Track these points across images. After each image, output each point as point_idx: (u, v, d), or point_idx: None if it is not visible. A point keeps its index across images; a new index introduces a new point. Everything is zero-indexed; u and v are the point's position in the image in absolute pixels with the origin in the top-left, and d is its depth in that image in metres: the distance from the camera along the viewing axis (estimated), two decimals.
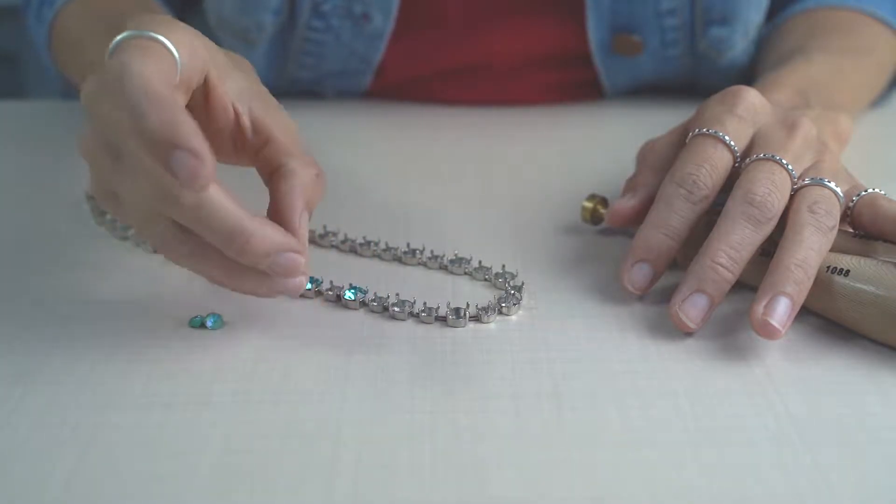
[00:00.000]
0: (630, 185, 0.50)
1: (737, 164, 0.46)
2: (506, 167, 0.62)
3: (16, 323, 0.44)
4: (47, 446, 0.36)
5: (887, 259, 0.42)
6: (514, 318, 0.44)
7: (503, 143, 0.66)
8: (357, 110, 0.73)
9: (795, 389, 0.39)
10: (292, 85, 0.73)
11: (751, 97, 0.47)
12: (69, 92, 0.74)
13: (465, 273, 0.48)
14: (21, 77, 1.53)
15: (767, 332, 0.40)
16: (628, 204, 0.49)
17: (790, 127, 0.46)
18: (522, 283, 0.46)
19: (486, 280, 0.48)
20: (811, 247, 0.41)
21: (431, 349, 0.42)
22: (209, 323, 0.43)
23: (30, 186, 0.59)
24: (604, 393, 0.39)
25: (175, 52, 0.38)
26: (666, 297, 0.46)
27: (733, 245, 0.42)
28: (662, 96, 0.73)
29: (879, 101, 0.70)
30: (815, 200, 0.43)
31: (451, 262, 0.48)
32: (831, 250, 0.43)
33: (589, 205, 0.52)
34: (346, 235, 0.51)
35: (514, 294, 0.45)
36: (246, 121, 0.42)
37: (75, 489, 0.34)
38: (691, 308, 0.42)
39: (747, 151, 0.46)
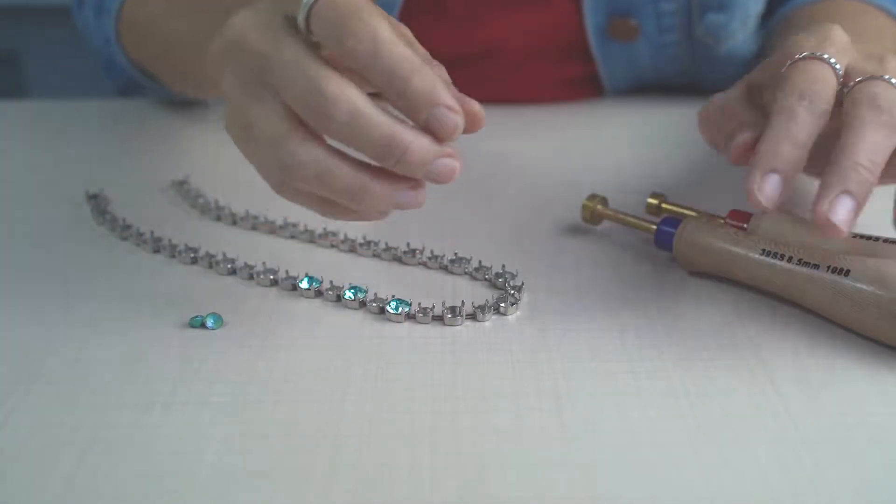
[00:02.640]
0: (731, 129, 0.49)
1: (840, 89, 0.45)
2: (506, 167, 0.62)
3: (16, 323, 0.44)
4: (47, 446, 0.36)
5: (888, 258, 0.42)
6: (514, 317, 0.44)
7: (504, 143, 0.66)
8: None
9: (795, 389, 0.39)
10: None
11: (840, 32, 0.47)
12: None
13: (465, 273, 0.48)
14: (21, 77, 1.53)
15: (831, 230, 0.40)
16: (746, 136, 0.47)
17: (878, 59, 0.46)
18: (522, 283, 0.46)
19: (486, 280, 0.48)
20: (877, 143, 0.41)
21: (431, 349, 0.42)
22: (209, 323, 0.43)
23: (30, 186, 0.59)
24: (604, 393, 0.39)
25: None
26: (664, 293, 0.46)
27: (871, 149, 0.41)
28: (663, 95, 0.73)
29: None
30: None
31: (451, 262, 0.48)
32: (830, 251, 0.43)
33: (589, 204, 0.52)
34: (345, 235, 0.51)
35: (513, 294, 0.45)
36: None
37: (75, 489, 0.34)
38: (841, 209, 0.40)
39: (845, 80, 0.45)
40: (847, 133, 0.42)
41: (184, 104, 0.71)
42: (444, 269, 0.49)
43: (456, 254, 0.49)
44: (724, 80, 0.68)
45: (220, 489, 0.34)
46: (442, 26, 0.70)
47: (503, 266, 0.47)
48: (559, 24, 0.70)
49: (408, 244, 0.50)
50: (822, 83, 0.43)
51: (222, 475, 0.34)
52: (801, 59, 0.45)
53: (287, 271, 0.47)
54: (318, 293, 0.46)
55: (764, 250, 0.44)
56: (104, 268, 0.49)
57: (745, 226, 0.47)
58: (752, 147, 0.46)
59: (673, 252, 0.47)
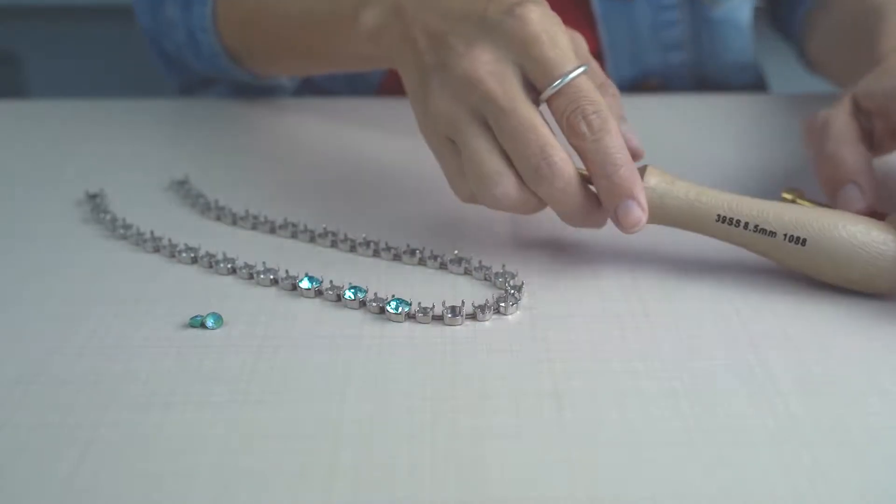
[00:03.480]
0: (838, 176, 0.49)
1: None
2: None
3: (16, 323, 0.44)
4: (47, 446, 0.36)
5: (845, 225, 0.43)
6: (514, 317, 0.44)
7: None
8: (358, 110, 0.72)
9: (795, 389, 0.39)
10: (304, 84, 0.73)
11: None
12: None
13: (465, 273, 0.48)
14: (21, 77, 1.53)
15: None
16: (856, 198, 0.48)
17: None
18: (522, 283, 0.46)
19: (486, 280, 0.48)
20: None
21: (431, 349, 0.42)
22: (209, 323, 0.43)
23: (30, 186, 0.59)
24: (604, 393, 0.39)
25: None
26: (665, 293, 0.46)
27: None
28: (667, 94, 0.73)
29: None
30: None
31: (451, 261, 0.48)
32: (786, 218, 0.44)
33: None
34: (346, 235, 0.51)
35: (513, 294, 0.45)
36: None
37: (75, 489, 0.34)
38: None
39: None
40: None
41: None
42: (444, 269, 0.49)
43: (456, 254, 0.49)
44: (731, 76, 0.69)
45: (220, 489, 0.34)
46: None
47: (503, 266, 0.47)
48: None
49: (408, 244, 0.50)
50: None
51: (222, 475, 0.34)
52: None
53: (287, 271, 0.47)
54: (318, 293, 0.46)
55: (719, 216, 0.44)
56: (104, 267, 0.49)
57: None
58: (860, 207, 0.48)
59: None
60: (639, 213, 0.43)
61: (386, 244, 0.50)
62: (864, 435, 0.36)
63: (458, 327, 0.43)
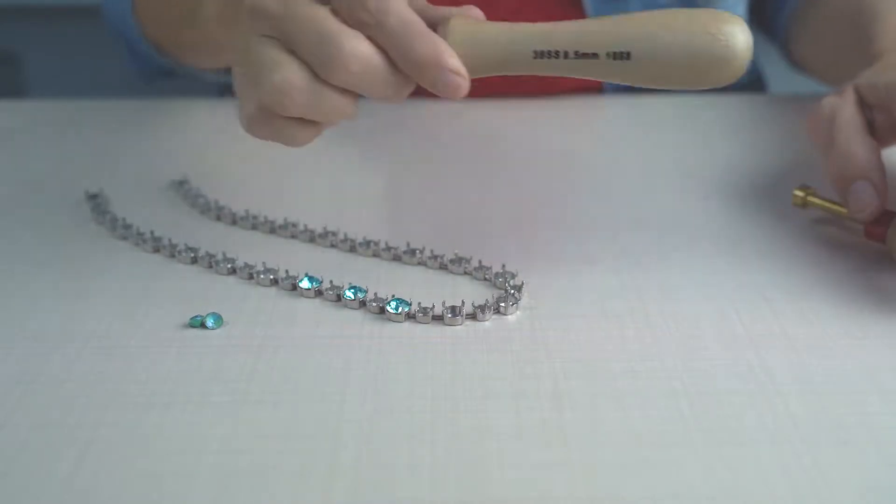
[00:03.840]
0: (849, 173, 0.48)
1: None
2: (506, 166, 0.62)
3: (16, 323, 0.44)
4: (47, 446, 0.36)
5: (665, 27, 0.41)
6: (514, 317, 0.44)
7: (504, 142, 0.66)
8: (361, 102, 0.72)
9: (795, 389, 0.39)
10: None
11: None
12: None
13: (465, 273, 0.48)
14: (21, 77, 1.53)
15: None
16: (874, 203, 0.47)
17: None
18: (522, 283, 0.46)
19: (486, 280, 0.48)
20: None
21: (431, 349, 0.42)
22: (209, 323, 0.43)
23: (30, 186, 0.59)
24: (604, 393, 0.39)
25: None
26: (664, 293, 0.46)
27: None
28: (664, 94, 0.73)
29: None
30: None
31: (451, 261, 0.48)
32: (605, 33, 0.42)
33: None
34: (346, 235, 0.51)
35: (513, 294, 0.45)
36: None
37: (75, 489, 0.34)
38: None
39: None
40: None
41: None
42: (444, 269, 0.49)
43: (456, 254, 0.49)
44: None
45: (220, 489, 0.34)
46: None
47: (503, 266, 0.47)
48: None
49: (408, 244, 0.50)
50: None
51: (222, 475, 0.34)
52: None
53: (287, 271, 0.47)
54: (318, 293, 0.46)
55: (536, 52, 0.42)
56: (104, 268, 0.49)
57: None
58: (873, 204, 0.47)
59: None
60: (455, 79, 0.41)
61: (386, 244, 0.50)
62: (864, 435, 0.36)
63: (458, 327, 0.43)
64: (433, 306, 0.44)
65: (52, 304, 0.45)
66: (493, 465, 0.35)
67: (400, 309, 0.44)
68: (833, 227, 0.52)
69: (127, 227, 0.52)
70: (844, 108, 0.50)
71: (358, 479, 0.34)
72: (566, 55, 0.42)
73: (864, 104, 0.51)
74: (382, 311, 0.44)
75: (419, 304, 0.44)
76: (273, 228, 0.53)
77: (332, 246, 0.51)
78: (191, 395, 0.39)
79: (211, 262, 0.49)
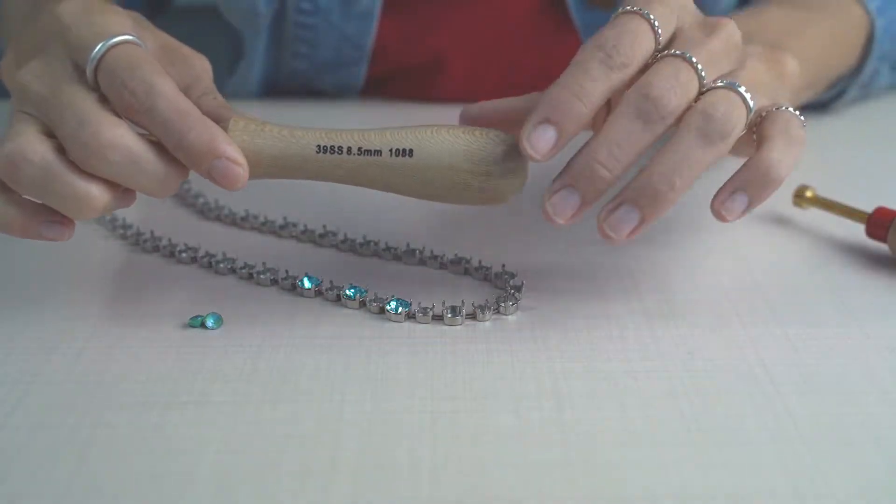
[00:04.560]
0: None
1: (657, 54, 0.42)
2: None
3: (16, 323, 0.44)
4: (47, 446, 0.36)
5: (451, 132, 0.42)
6: (513, 317, 0.44)
7: None
8: (356, 108, 0.73)
9: (795, 389, 0.39)
10: (291, 78, 0.74)
11: None
12: None
13: (465, 273, 0.48)
14: None
15: (606, 238, 0.40)
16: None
17: (711, 27, 0.43)
18: (522, 283, 0.46)
19: (486, 280, 0.48)
20: (686, 157, 0.39)
21: (431, 349, 0.42)
22: (209, 323, 0.43)
23: None
24: (604, 393, 0.39)
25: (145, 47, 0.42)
26: (664, 292, 0.46)
27: (617, 142, 0.39)
28: None
29: (844, 91, 0.68)
30: (714, 103, 0.39)
31: (451, 261, 0.48)
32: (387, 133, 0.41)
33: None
34: (346, 235, 0.51)
35: (513, 294, 0.45)
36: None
37: (75, 489, 0.34)
38: (560, 202, 0.40)
39: (667, 45, 0.42)
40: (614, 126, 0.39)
41: None
42: (444, 268, 0.49)
43: (456, 254, 0.49)
44: None
45: (220, 489, 0.34)
46: (430, 13, 0.71)
47: (503, 266, 0.47)
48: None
49: (408, 244, 0.50)
50: (630, 37, 0.40)
51: (222, 475, 0.34)
52: (624, 11, 0.41)
53: (287, 271, 0.47)
54: (318, 293, 0.46)
55: (320, 147, 0.42)
56: (104, 268, 0.49)
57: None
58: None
59: None
60: (233, 168, 0.39)
61: (386, 244, 0.50)
62: (864, 435, 0.36)
63: (458, 327, 0.43)
64: (433, 306, 0.44)
65: (52, 304, 0.45)
66: (493, 465, 0.35)
67: (400, 309, 0.44)
68: (833, 227, 0.52)
69: (127, 227, 0.52)
70: None
71: (358, 479, 0.34)
72: (349, 151, 0.41)
73: None
74: (382, 311, 0.44)
75: (419, 304, 0.44)
76: (273, 228, 0.53)
77: (332, 246, 0.51)
78: (191, 395, 0.39)
79: (211, 262, 0.49)
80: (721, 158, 0.40)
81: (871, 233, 0.49)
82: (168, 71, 0.44)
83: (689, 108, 0.40)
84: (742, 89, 0.40)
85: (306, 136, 0.41)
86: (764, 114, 0.43)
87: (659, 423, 0.37)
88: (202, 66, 0.46)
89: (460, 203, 0.42)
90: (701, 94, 0.41)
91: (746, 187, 0.40)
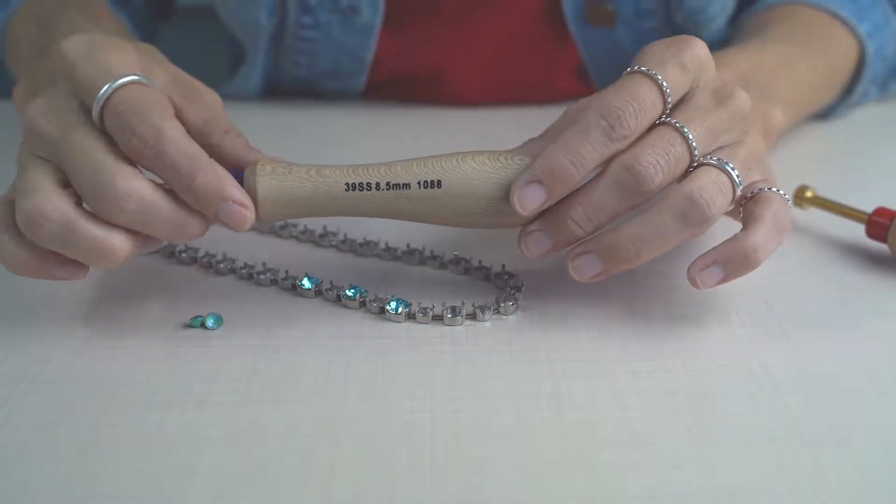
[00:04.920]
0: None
1: (665, 116, 0.42)
2: None
3: (16, 323, 0.44)
4: (47, 446, 0.36)
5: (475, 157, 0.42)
6: (513, 317, 0.44)
7: (502, 143, 0.66)
8: (356, 110, 0.73)
9: (795, 389, 0.39)
10: (292, 83, 0.74)
11: (699, 48, 0.43)
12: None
13: (465, 273, 0.48)
14: None
15: (576, 274, 0.42)
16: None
17: (723, 96, 0.43)
18: (522, 283, 0.46)
19: (486, 280, 0.48)
20: (662, 233, 0.40)
21: (431, 349, 0.42)
22: (209, 323, 0.43)
23: None
24: (604, 393, 0.39)
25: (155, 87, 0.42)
26: (664, 292, 0.46)
27: (594, 205, 0.41)
28: None
29: (832, 110, 0.69)
30: (701, 188, 0.40)
31: (451, 261, 0.48)
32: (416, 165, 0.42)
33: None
34: (345, 235, 0.51)
35: (513, 294, 0.45)
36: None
37: (75, 489, 0.34)
38: (533, 243, 0.42)
39: (675, 105, 0.42)
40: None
41: None
42: (444, 269, 0.49)
43: (456, 254, 0.49)
44: None
45: (220, 489, 0.34)
46: (430, 29, 0.71)
47: (503, 266, 0.47)
48: (539, 10, 0.70)
49: (407, 244, 0.50)
50: (636, 107, 0.40)
51: (222, 475, 0.34)
52: (635, 71, 0.42)
53: (287, 271, 0.47)
54: (318, 293, 0.46)
55: (349, 185, 0.42)
56: (104, 268, 0.49)
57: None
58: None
59: None
60: (241, 212, 0.40)
61: (386, 244, 0.50)
62: (864, 435, 0.36)
63: (458, 327, 0.43)
64: (433, 306, 0.44)
65: (52, 304, 0.45)
66: (493, 465, 0.35)
67: (400, 309, 0.44)
68: (833, 227, 0.52)
69: None
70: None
71: (358, 479, 0.34)
72: (378, 187, 0.42)
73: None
74: (382, 311, 0.44)
75: (419, 304, 0.44)
76: (273, 228, 0.53)
77: (332, 246, 0.51)
78: (191, 395, 0.39)
79: (211, 262, 0.49)
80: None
81: (871, 233, 0.49)
82: (183, 107, 0.44)
83: (674, 181, 0.41)
84: (734, 172, 0.41)
85: (334, 175, 0.42)
86: (756, 191, 0.43)
87: (659, 423, 0.37)
88: (214, 100, 0.46)
89: (497, 227, 0.43)
90: (692, 167, 0.41)
91: (725, 263, 0.41)
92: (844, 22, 0.66)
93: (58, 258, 0.40)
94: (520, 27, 0.71)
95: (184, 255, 0.49)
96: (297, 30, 0.69)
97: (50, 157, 0.40)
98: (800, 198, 0.53)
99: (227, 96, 0.50)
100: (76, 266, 0.41)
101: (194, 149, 0.40)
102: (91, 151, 0.39)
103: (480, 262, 0.48)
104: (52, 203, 0.39)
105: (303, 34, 0.70)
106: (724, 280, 0.41)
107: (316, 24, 0.69)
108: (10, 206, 0.41)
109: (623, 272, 0.48)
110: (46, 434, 0.37)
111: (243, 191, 0.40)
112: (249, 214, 0.40)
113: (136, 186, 0.39)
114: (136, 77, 0.41)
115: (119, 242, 0.40)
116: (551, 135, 0.46)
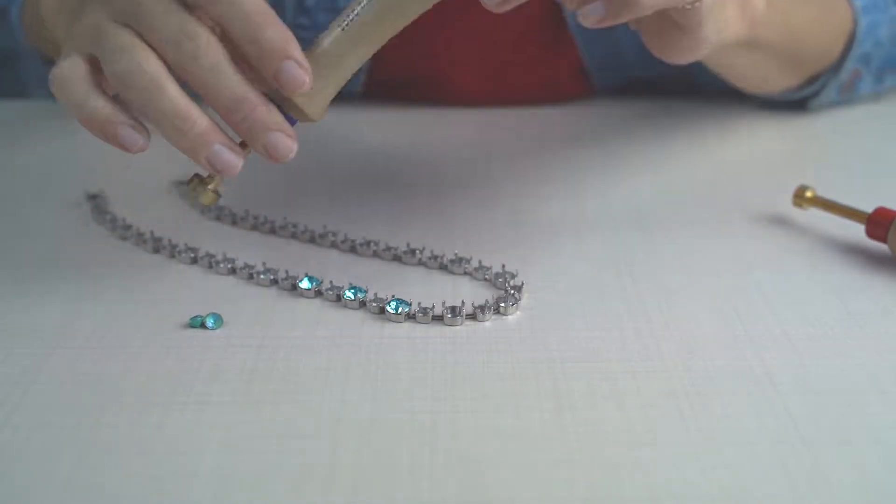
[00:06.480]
0: None
1: None
2: (505, 167, 0.62)
3: (16, 323, 0.44)
4: (47, 446, 0.36)
5: None
6: (513, 317, 0.44)
7: (502, 143, 0.66)
8: (356, 110, 0.73)
9: (795, 389, 0.39)
10: None
11: None
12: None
13: (465, 273, 0.48)
14: (21, 77, 1.53)
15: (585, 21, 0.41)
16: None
17: None
18: (522, 283, 0.46)
19: (486, 280, 0.48)
20: None
21: (431, 349, 0.42)
22: (209, 323, 0.43)
23: (30, 186, 0.59)
24: (604, 393, 0.39)
25: None
26: (664, 292, 0.46)
27: None
28: (656, 96, 0.73)
29: (823, 89, 0.68)
30: None
31: (451, 262, 0.48)
32: None
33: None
34: (346, 235, 0.51)
35: (513, 294, 0.45)
36: None
37: (75, 489, 0.34)
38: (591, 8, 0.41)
39: None
40: None
41: None
42: (444, 269, 0.49)
43: (456, 254, 0.49)
44: (718, 82, 0.68)
45: (220, 489, 0.34)
46: (428, 26, 0.71)
47: (503, 266, 0.47)
48: (539, 10, 0.70)
49: (408, 244, 0.50)
50: None
51: (222, 475, 0.34)
52: None
53: (287, 271, 0.47)
54: (318, 293, 0.46)
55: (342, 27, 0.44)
56: (104, 268, 0.49)
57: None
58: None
59: None
60: (299, 72, 0.40)
61: (386, 244, 0.50)
62: (864, 435, 0.36)
63: (458, 327, 0.43)
64: (433, 306, 0.44)
65: (52, 304, 0.45)
66: (493, 465, 0.35)
67: (400, 309, 0.44)
68: (833, 227, 0.52)
69: (127, 227, 0.52)
70: None
71: (358, 479, 0.34)
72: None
73: None
74: (382, 311, 0.44)
75: (419, 304, 0.44)
76: (273, 228, 0.53)
77: (332, 246, 0.51)
78: (191, 395, 0.39)
79: (211, 262, 0.49)
80: None
81: (871, 233, 0.49)
82: None
83: None
84: None
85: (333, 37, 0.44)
86: None
87: (659, 423, 0.37)
88: None
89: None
90: None
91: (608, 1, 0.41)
92: None
93: (127, 119, 0.42)
94: (520, 27, 0.71)
95: (184, 255, 0.49)
96: (295, 31, 0.69)
97: (133, 22, 0.41)
98: (800, 198, 0.53)
99: None
100: (139, 133, 0.42)
101: (267, 6, 0.41)
102: (176, 12, 0.40)
103: (480, 262, 0.48)
104: (148, 62, 0.40)
105: (300, 35, 0.69)
106: (603, 21, 0.41)
107: (313, 25, 0.69)
108: (87, 65, 0.41)
109: (625, 274, 0.48)
110: (46, 434, 0.37)
111: (304, 56, 0.41)
112: (306, 78, 0.41)
113: (215, 42, 0.40)
114: None
115: (195, 111, 0.40)
116: None
